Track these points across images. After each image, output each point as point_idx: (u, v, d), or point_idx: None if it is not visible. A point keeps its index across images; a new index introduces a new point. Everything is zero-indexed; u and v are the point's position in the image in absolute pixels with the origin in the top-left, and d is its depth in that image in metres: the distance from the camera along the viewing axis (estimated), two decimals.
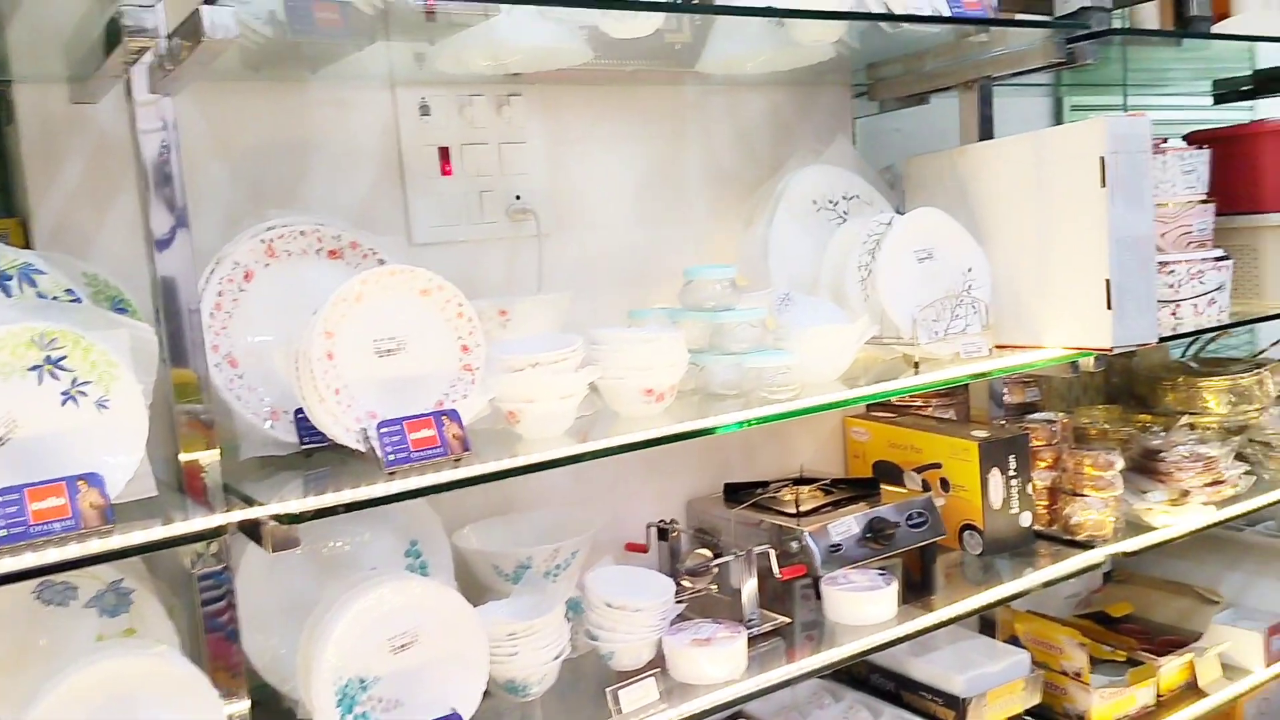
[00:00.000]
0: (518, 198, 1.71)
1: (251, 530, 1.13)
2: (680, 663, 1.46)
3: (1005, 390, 2.11)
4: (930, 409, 2.09)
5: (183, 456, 1.14)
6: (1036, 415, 2.03)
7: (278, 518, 1.11)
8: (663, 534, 1.75)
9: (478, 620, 1.33)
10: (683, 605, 1.54)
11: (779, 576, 1.59)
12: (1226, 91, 2.79)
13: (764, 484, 1.85)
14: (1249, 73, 2.67)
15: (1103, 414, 2.31)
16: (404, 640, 1.29)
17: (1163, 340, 1.74)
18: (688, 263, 1.69)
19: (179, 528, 1.07)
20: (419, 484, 1.19)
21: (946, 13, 1.55)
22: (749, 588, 1.58)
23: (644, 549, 1.75)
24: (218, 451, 1.16)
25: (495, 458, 1.26)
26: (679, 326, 1.56)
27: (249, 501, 1.15)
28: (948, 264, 1.76)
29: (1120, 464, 1.87)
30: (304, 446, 1.33)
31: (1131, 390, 2.40)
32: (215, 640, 1.15)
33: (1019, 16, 1.67)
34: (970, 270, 1.77)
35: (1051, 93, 2.66)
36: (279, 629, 1.36)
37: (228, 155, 1.49)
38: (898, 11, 1.52)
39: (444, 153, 1.66)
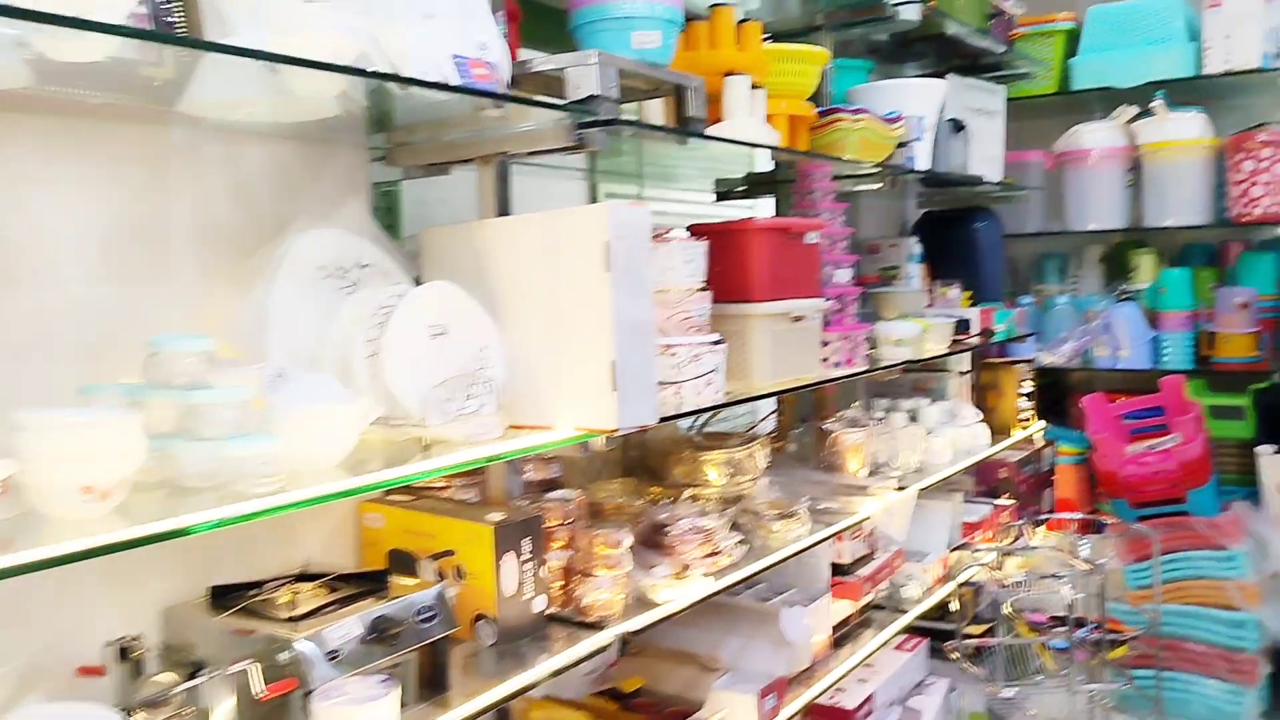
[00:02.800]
0: None
1: None
2: None
3: (529, 468, 2.08)
4: (452, 489, 2.00)
5: None
6: (554, 493, 2.02)
7: None
8: (125, 653, 1.46)
9: None
10: None
11: (262, 695, 1.38)
12: (726, 190, 3.11)
13: (258, 584, 1.63)
14: (743, 174, 2.99)
15: (619, 487, 2.37)
16: None
17: (664, 420, 1.80)
18: (173, 330, 1.46)
19: None
20: None
21: (456, 82, 1.49)
22: (223, 714, 1.35)
23: (101, 672, 1.45)
24: None
25: None
26: (142, 407, 1.32)
27: None
28: (462, 341, 1.70)
29: (629, 541, 1.90)
30: None
31: (646, 463, 2.51)
32: None
33: (531, 96, 1.67)
34: (484, 349, 1.72)
35: (588, 178, 2.77)
36: None
37: None
38: (405, 74, 1.44)
39: None
